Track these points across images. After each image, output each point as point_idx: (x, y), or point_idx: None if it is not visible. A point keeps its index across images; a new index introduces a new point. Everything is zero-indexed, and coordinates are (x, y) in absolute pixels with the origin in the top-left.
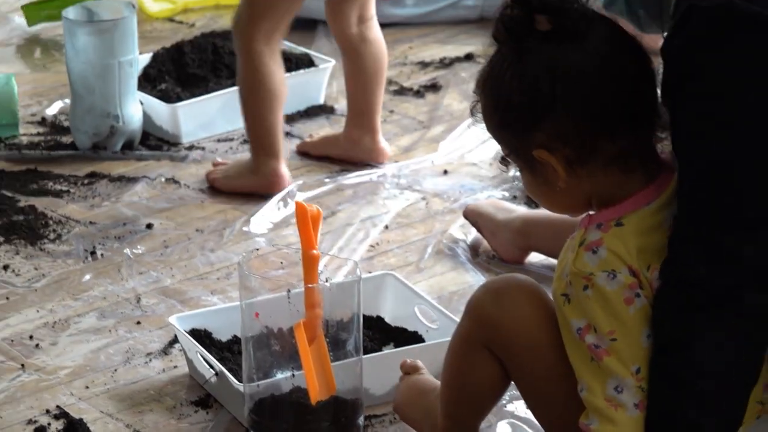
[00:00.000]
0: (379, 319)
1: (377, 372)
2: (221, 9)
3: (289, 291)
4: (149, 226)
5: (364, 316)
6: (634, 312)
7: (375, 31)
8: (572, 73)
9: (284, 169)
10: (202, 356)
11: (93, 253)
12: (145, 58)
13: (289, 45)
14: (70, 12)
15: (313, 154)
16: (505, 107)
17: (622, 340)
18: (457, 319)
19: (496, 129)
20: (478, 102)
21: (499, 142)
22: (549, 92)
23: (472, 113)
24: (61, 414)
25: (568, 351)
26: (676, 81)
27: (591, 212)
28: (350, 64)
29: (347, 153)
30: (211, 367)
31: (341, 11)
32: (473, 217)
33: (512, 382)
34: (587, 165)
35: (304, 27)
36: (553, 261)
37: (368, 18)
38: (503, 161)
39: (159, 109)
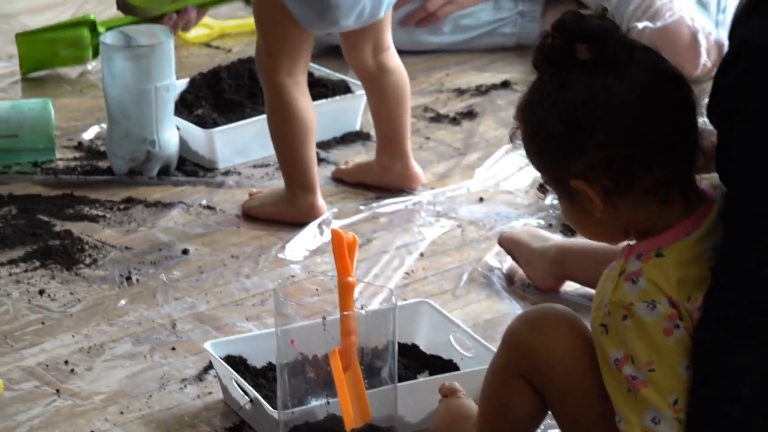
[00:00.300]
0: (414, 346)
1: (412, 400)
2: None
3: (324, 318)
4: (185, 251)
5: (399, 343)
6: (673, 343)
7: (393, 60)
8: (612, 102)
9: (320, 201)
10: (236, 383)
11: (128, 278)
12: (181, 84)
13: (325, 71)
14: (108, 37)
15: (347, 181)
16: (544, 135)
17: (660, 371)
18: (492, 347)
19: (535, 156)
20: (518, 129)
21: (538, 170)
22: (588, 122)
23: (512, 140)
24: None
25: (606, 381)
26: (726, 114)
27: (631, 242)
28: (371, 94)
29: (381, 180)
30: (246, 393)
31: (355, 44)
32: (508, 245)
33: (548, 412)
34: (625, 195)
35: (341, 53)
36: (589, 290)
37: (384, 48)
38: (541, 188)
39: (195, 134)
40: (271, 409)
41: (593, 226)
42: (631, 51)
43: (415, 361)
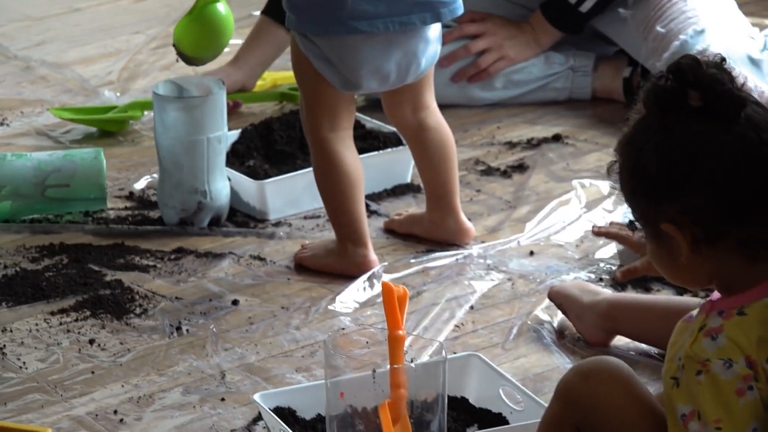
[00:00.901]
0: (464, 400)
1: None
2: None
3: (374, 371)
4: (235, 302)
5: (448, 396)
6: (744, 404)
7: (434, 118)
8: (714, 154)
9: (371, 254)
10: None
11: (178, 328)
12: (233, 135)
13: (377, 123)
14: (160, 87)
15: (399, 232)
16: (641, 174)
17: (727, 430)
18: (542, 401)
19: (629, 193)
20: (616, 162)
21: (630, 206)
22: (688, 170)
23: (609, 173)
24: None
25: None
26: None
27: (712, 298)
28: (415, 151)
29: (431, 233)
30: None
31: (394, 102)
32: (559, 299)
33: None
34: (713, 247)
35: None
36: (639, 345)
37: (424, 107)
38: (631, 225)
39: (246, 185)
40: None
41: (676, 269)
42: (741, 106)
43: (465, 415)
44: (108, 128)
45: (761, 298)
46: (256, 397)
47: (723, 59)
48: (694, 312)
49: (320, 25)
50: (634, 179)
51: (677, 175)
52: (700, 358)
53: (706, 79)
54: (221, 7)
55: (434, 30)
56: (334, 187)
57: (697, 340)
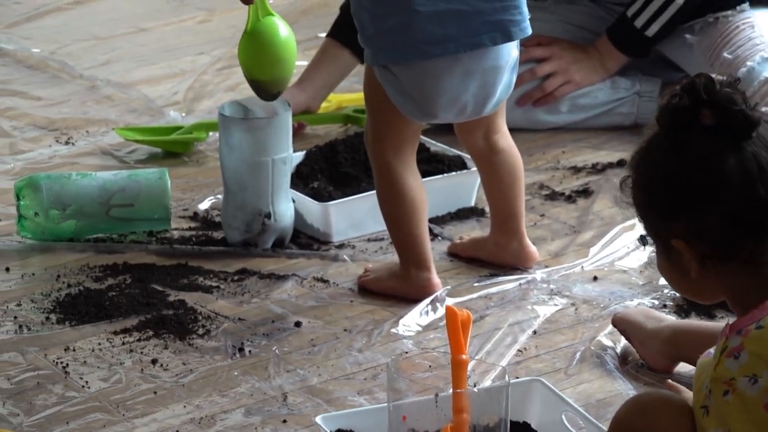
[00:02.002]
0: (526, 424)
1: None
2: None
3: (437, 395)
4: (297, 324)
5: (510, 421)
6: None
7: (505, 141)
8: (725, 175)
9: (435, 278)
10: None
11: (241, 349)
12: (298, 156)
13: (441, 147)
14: (226, 108)
15: (462, 256)
16: (652, 190)
17: None
18: (604, 427)
19: (641, 208)
20: (629, 177)
21: (641, 221)
22: (698, 189)
23: (621, 187)
24: None
25: None
26: None
27: (729, 322)
28: (484, 174)
29: (495, 257)
30: None
31: (466, 127)
32: (622, 325)
33: None
34: (724, 264)
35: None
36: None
37: (496, 132)
38: (642, 239)
39: (310, 207)
40: None
41: (687, 284)
42: (753, 126)
43: None
44: (173, 150)
45: None
46: (319, 419)
47: (737, 79)
48: (712, 349)
49: (392, 52)
50: (645, 195)
51: (686, 195)
52: (725, 378)
53: (719, 98)
54: (277, 22)
55: (510, 59)
56: (397, 212)
57: (721, 362)
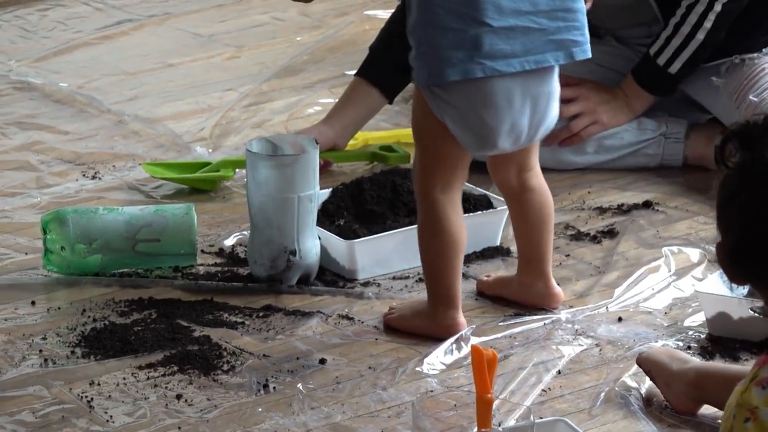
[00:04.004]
0: None
1: None
2: (402, 146)
3: None
4: (322, 361)
5: None
6: None
7: (537, 179)
8: None
9: (461, 318)
10: None
11: (266, 386)
12: (324, 193)
13: (468, 186)
14: (254, 145)
15: (487, 294)
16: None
17: None
18: None
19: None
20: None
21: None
22: None
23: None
24: None
25: None
26: None
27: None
28: (514, 212)
29: (521, 296)
30: None
31: (500, 164)
32: (647, 366)
33: None
34: None
35: (483, 168)
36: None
37: (529, 169)
38: (754, 309)
39: (336, 244)
40: None
41: None
42: None
43: None
44: (199, 187)
45: None
46: None
47: None
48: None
49: (456, 67)
50: (729, 240)
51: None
52: (750, 406)
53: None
54: None
55: (558, 87)
56: (437, 249)
57: (748, 390)
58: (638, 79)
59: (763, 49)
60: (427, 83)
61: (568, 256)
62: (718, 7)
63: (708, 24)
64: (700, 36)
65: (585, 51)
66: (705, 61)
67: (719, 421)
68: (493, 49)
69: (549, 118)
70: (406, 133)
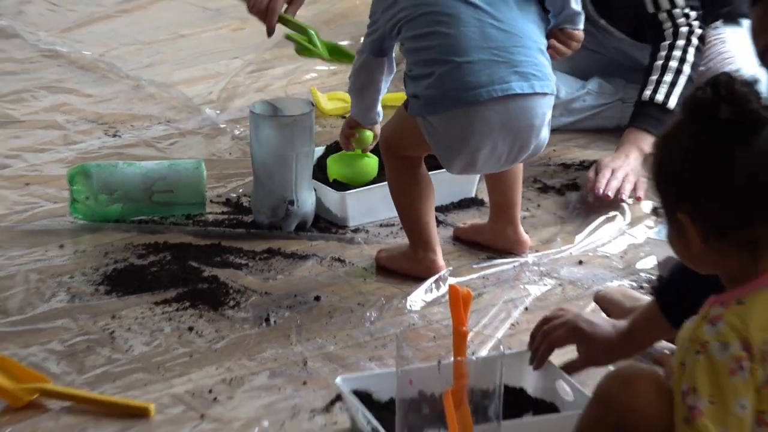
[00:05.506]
0: (521, 390)
1: None
2: (387, 109)
3: (439, 362)
4: (317, 298)
5: (507, 386)
6: (735, 382)
7: None
8: (730, 164)
9: (440, 260)
10: (363, 414)
11: (267, 319)
12: (319, 150)
13: None
14: (257, 107)
15: (463, 239)
16: (668, 170)
17: (718, 405)
18: (588, 392)
19: (656, 183)
20: (652, 154)
21: (656, 193)
22: (706, 174)
23: (646, 160)
24: None
25: (675, 413)
26: None
27: (714, 294)
28: None
29: (492, 242)
30: (375, 430)
31: None
32: (603, 303)
33: None
34: (721, 242)
35: None
36: (671, 345)
37: None
38: (655, 211)
39: (330, 195)
40: None
41: (689, 256)
42: (764, 124)
43: (521, 403)
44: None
45: (756, 289)
46: (338, 380)
47: (756, 80)
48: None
49: (435, 104)
50: (660, 173)
51: (696, 180)
52: (701, 341)
53: (736, 95)
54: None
55: (546, 117)
56: (409, 200)
57: (700, 326)
58: (639, 124)
59: (711, 24)
60: (418, 114)
61: (539, 206)
62: (695, 41)
63: (690, 58)
64: (687, 69)
65: (545, 86)
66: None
67: (666, 350)
68: (465, 81)
69: (532, 147)
70: (393, 97)
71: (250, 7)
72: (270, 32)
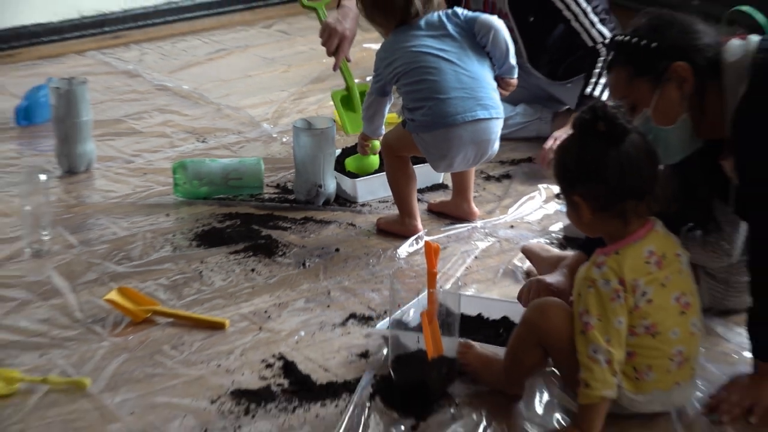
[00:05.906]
0: (479, 316)
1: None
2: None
3: (418, 293)
4: (337, 250)
5: (464, 314)
6: (614, 306)
7: None
8: (608, 163)
9: (419, 224)
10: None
11: (303, 264)
12: (338, 151)
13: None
14: (297, 123)
15: (434, 211)
16: (564, 166)
17: (604, 321)
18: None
19: (558, 176)
20: (553, 158)
21: (557, 184)
22: (590, 170)
23: (549, 164)
24: (281, 357)
25: (574, 330)
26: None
27: (600, 248)
28: None
29: (453, 213)
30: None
31: None
32: (527, 253)
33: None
34: (602, 214)
35: None
36: None
37: None
38: (558, 195)
39: (346, 181)
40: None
41: (582, 225)
42: (628, 133)
43: (476, 325)
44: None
45: (628, 244)
46: (379, 326)
47: (621, 107)
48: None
49: (425, 126)
50: (561, 170)
51: (583, 173)
52: (591, 278)
53: (609, 115)
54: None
55: (498, 134)
56: (402, 183)
57: (590, 269)
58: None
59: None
60: (413, 132)
61: (485, 189)
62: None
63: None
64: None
65: (497, 113)
66: (564, 78)
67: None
68: (443, 111)
69: (489, 153)
70: (392, 116)
71: (322, 42)
72: (334, 69)
